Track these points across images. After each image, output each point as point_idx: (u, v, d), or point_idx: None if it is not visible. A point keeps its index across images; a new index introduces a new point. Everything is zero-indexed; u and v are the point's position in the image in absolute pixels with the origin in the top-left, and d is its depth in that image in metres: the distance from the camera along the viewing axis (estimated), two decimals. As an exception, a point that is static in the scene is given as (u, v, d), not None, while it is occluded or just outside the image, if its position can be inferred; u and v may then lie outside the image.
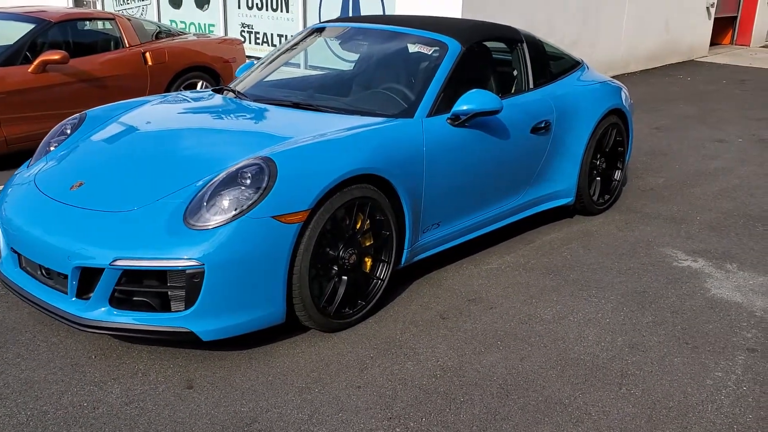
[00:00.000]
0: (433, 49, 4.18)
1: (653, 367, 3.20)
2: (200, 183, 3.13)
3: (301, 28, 10.33)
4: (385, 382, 3.03)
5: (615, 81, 5.44)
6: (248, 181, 3.06)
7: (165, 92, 7.15)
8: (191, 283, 2.91)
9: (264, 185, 3.03)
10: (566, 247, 4.61)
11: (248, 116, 3.95)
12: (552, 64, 4.96)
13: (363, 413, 2.82)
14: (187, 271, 2.90)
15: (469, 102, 3.83)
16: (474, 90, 3.88)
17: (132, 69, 6.89)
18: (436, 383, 3.04)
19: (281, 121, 3.85)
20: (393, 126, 3.67)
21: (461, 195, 4.02)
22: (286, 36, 10.47)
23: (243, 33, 10.92)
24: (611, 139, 5.20)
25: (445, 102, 3.95)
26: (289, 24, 10.37)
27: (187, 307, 2.96)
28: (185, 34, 8.09)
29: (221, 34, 11.06)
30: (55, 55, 6.10)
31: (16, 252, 3.36)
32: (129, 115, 4.02)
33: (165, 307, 3.03)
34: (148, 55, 7.02)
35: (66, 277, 3.07)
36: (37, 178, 3.51)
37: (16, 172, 3.80)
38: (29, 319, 3.47)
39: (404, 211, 3.61)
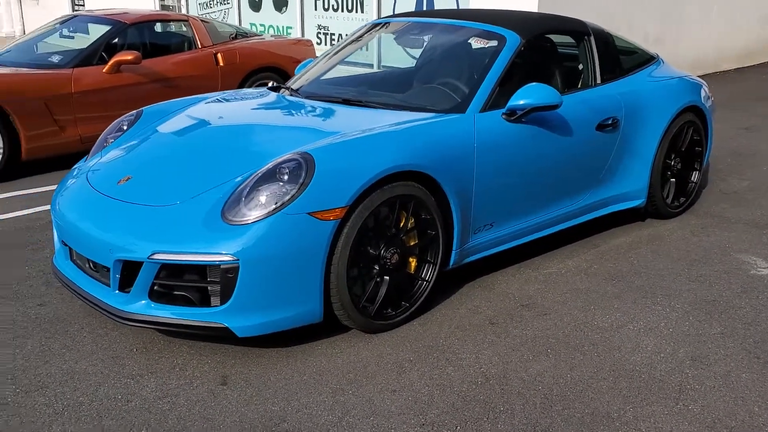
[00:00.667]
0: (492, 42, 4.02)
1: (716, 382, 2.94)
2: (240, 178, 3.10)
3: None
4: (422, 387, 2.90)
5: (694, 77, 5.12)
6: (286, 177, 3.00)
7: (236, 92, 7.24)
8: (226, 278, 2.88)
9: (301, 181, 2.97)
10: (634, 252, 4.34)
11: (297, 113, 3.91)
12: (623, 59, 4.70)
13: (395, 418, 2.71)
14: (221, 266, 2.87)
15: (526, 96, 3.66)
16: (532, 83, 3.70)
17: (203, 70, 7.02)
18: (476, 391, 2.88)
19: (329, 117, 3.78)
20: (441, 122, 3.53)
21: (517, 195, 3.84)
22: (360, 37, 10.46)
23: (319, 34, 10.99)
24: (687, 138, 4.88)
25: (501, 97, 3.78)
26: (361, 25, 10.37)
27: (222, 303, 2.92)
28: (261, 36, 8.20)
29: (298, 35, 11.18)
30: (128, 56, 6.27)
31: (66, 245, 3.43)
32: (183, 112, 4.05)
33: (204, 302, 3.00)
34: (219, 56, 7.13)
35: (109, 269, 3.10)
36: (90, 173, 3.57)
37: (73, 167, 3.89)
38: (80, 312, 3.53)
39: (452, 210, 3.47)
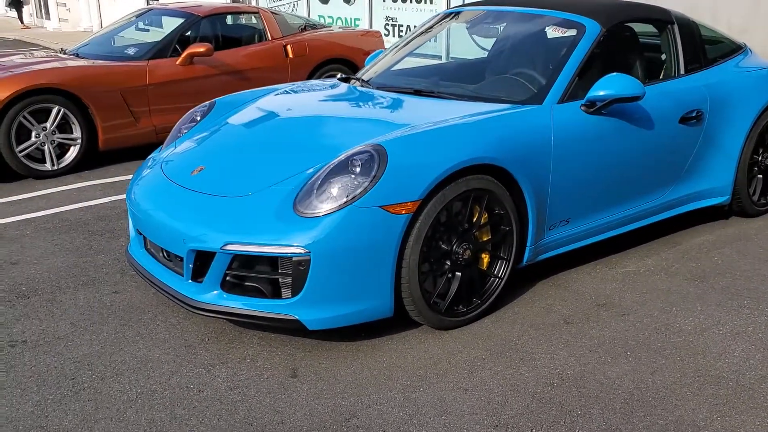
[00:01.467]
0: (570, 31, 3.87)
1: (812, 393, 2.75)
2: (311, 170, 3.07)
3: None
4: (495, 387, 2.82)
5: (784, 67, 4.82)
6: (358, 169, 2.95)
7: (305, 84, 7.27)
8: (297, 270, 2.85)
9: (373, 173, 2.91)
10: (717, 252, 4.13)
11: (368, 104, 3.86)
12: (708, 49, 4.47)
13: (467, 417, 2.63)
14: (293, 259, 2.84)
15: (606, 87, 3.51)
16: (612, 74, 3.55)
17: (273, 61, 7.06)
18: (552, 392, 2.78)
19: (400, 108, 3.72)
20: (517, 113, 3.42)
21: (595, 190, 3.69)
22: (428, 28, 10.36)
23: (387, 26, 10.94)
24: (776, 133, 4.61)
25: (580, 88, 3.64)
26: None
27: (293, 295, 2.90)
28: (329, 27, 8.20)
29: (366, 27, 11.15)
30: (200, 48, 6.35)
31: (141, 234, 3.48)
32: (255, 103, 4.05)
33: (276, 293, 2.99)
34: (289, 47, 7.16)
35: (182, 259, 3.12)
36: (164, 163, 3.61)
37: (148, 157, 3.94)
38: (154, 300, 3.57)
39: (527, 205, 3.36)
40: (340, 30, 8.10)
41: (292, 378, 2.90)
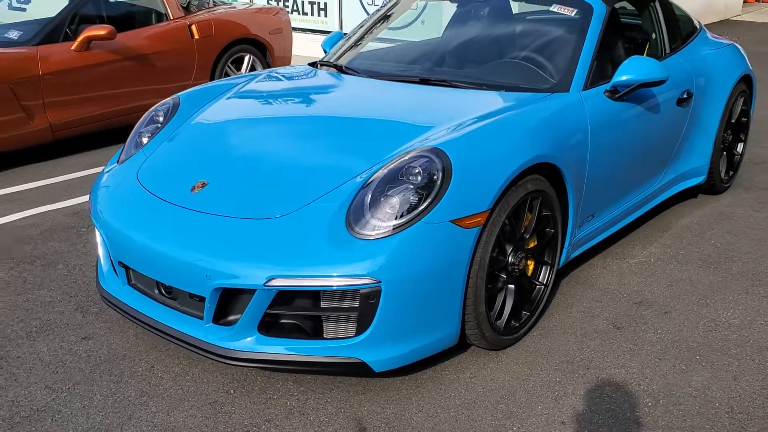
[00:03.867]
0: (575, 10, 3.60)
1: None
2: (359, 180, 2.58)
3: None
4: (593, 416, 2.52)
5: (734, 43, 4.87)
6: (418, 178, 2.51)
7: (212, 69, 6.55)
8: (366, 304, 2.38)
9: (439, 182, 2.49)
10: (709, 233, 4.09)
11: (377, 96, 3.38)
12: (680, 27, 4.40)
13: (584, 459, 2.32)
14: (361, 291, 2.37)
15: (630, 71, 3.28)
16: (634, 57, 3.33)
17: (179, 44, 6.26)
18: (652, 415, 2.53)
19: (419, 100, 3.28)
20: (555, 102, 3.11)
21: (617, 179, 3.50)
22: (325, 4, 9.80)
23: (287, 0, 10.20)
24: (738, 109, 4.66)
25: (597, 73, 3.39)
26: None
27: (358, 333, 2.43)
28: (231, 3, 7.45)
29: (267, 2, 10.30)
30: (101, 31, 5.47)
31: (124, 266, 2.82)
32: (231, 100, 3.44)
33: (317, 331, 2.50)
34: (194, 28, 6.39)
35: (199, 298, 2.54)
36: (141, 177, 2.95)
37: (104, 170, 3.23)
38: (139, 344, 2.94)
39: (569, 202, 3.08)
40: (244, 7, 7.37)
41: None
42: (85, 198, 4.63)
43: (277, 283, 2.37)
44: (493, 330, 2.78)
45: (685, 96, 3.95)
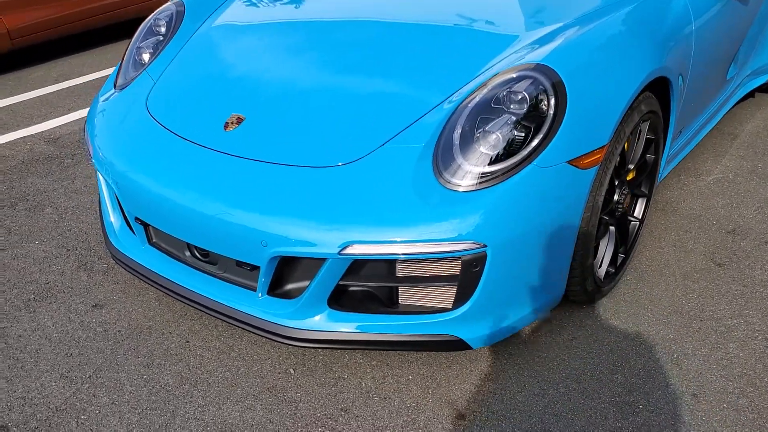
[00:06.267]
0: None
1: None
2: (446, 107, 2.01)
3: None
4: (726, 384, 2.13)
5: None
6: (523, 107, 1.96)
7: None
8: (468, 272, 1.89)
9: (552, 112, 1.95)
10: (783, 141, 3.66)
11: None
12: None
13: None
14: (463, 258, 1.87)
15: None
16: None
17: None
18: (794, 379, 2.15)
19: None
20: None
21: (708, 84, 2.99)
22: None
23: None
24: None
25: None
26: None
27: (456, 306, 1.96)
28: None
29: None
30: None
31: (141, 222, 2.27)
32: (253, 1, 2.78)
33: (392, 302, 2.03)
34: None
35: (251, 267, 2.03)
36: (152, 108, 2.34)
37: (99, 97, 2.61)
38: (165, 312, 2.44)
39: (670, 121, 2.58)
40: None
41: (460, 420, 2.02)
42: (64, 120, 3.98)
43: (355, 250, 1.86)
44: (595, 283, 2.33)
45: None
